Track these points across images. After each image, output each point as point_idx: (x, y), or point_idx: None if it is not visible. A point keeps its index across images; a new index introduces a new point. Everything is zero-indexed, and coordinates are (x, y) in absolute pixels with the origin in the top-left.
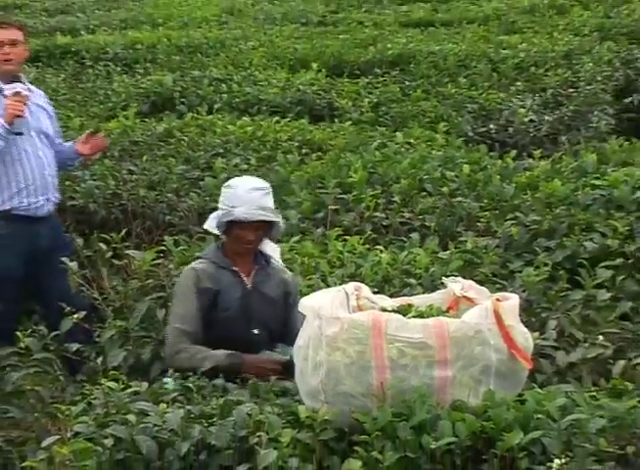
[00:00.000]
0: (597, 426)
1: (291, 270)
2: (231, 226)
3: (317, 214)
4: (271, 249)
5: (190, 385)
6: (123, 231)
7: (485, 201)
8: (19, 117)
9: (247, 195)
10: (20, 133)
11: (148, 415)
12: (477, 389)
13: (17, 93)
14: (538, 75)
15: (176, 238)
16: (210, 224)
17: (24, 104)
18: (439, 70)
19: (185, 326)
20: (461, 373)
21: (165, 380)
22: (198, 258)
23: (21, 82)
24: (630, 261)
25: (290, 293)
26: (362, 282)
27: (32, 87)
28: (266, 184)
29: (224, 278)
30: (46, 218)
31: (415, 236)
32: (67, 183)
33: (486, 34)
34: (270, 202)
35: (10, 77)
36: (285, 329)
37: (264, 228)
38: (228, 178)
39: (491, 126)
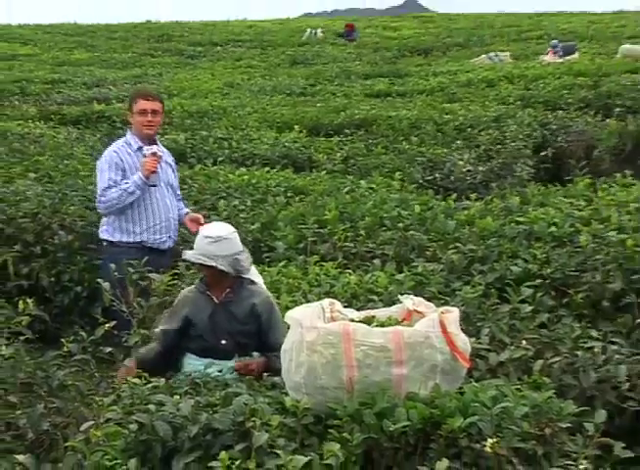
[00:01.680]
0: (521, 412)
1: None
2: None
3: (299, 245)
4: (255, 274)
5: (198, 381)
6: (145, 258)
7: (432, 234)
8: (153, 172)
9: (199, 242)
10: (154, 185)
11: (164, 405)
12: (426, 383)
13: (153, 153)
14: (474, 135)
15: (188, 264)
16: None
17: (158, 162)
18: (395, 131)
19: (165, 326)
20: (413, 371)
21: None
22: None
23: (155, 144)
24: (547, 282)
25: (259, 314)
26: (335, 298)
27: (162, 147)
28: (220, 233)
29: (200, 301)
30: (168, 251)
31: (377, 262)
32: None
33: (433, 103)
34: (216, 248)
35: (148, 139)
36: (259, 342)
37: (214, 268)
38: (229, 216)
39: (437, 175)
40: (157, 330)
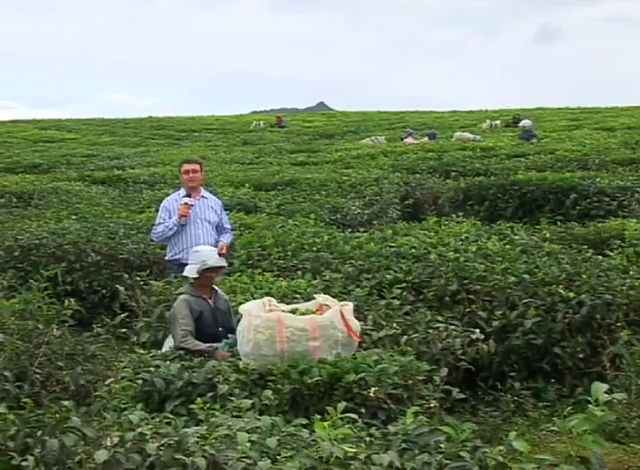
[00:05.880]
0: (393, 370)
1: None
2: (204, 272)
3: (249, 261)
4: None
5: (182, 352)
6: (147, 271)
7: (335, 254)
8: (184, 216)
9: (210, 253)
10: (184, 224)
11: (160, 367)
12: (331, 352)
13: (185, 203)
14: (361, 190)
15: (175, 275)
16: (190, 273)
17: (189, 209)
18: (312, 188)
19: (187, 328)
20: (324, 344)
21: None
22: (182, 293)
23: (190, 195)
24: (409, 285)
25: (230, 308)
26: (272, 297)
27: (209, 196)
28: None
29: (199, 302)
30: None
31: (299, 273)
32: (118, 246)
33: (335, 169)
34: (221, 259)
35: (191, 191)
36: (233, 326)
37: (219, 271)
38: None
39: (338, 216)
40: (182, 331)
